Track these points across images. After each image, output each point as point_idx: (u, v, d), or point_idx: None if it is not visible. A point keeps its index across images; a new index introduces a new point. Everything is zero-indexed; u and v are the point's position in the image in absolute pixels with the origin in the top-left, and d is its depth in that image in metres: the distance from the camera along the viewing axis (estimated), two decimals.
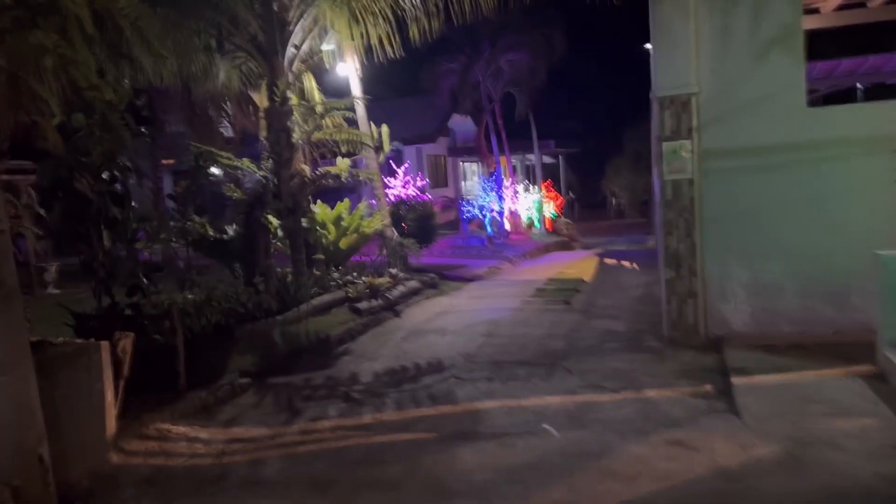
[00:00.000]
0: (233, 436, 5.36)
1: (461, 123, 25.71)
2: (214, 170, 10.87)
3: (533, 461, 4.43)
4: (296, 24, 9.53)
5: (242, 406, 6.10)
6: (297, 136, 9.38)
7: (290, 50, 9.65)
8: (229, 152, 9.84)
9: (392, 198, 15.64)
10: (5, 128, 5.75)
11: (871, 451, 4.06)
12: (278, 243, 10.34)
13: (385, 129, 11.60)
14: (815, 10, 8.83)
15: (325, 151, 10.39)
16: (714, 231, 6.83)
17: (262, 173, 9.31)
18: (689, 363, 6.36)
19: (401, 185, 17.25)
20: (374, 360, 7.35)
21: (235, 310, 7.50)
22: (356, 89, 12.49)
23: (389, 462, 4.62)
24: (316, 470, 4.57)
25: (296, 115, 9.42)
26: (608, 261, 15.29)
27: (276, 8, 9.32)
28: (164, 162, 18.14)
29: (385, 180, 14.46)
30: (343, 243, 11.32)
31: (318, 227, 10.71)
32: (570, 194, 30.53)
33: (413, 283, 11.19)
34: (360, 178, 10.70)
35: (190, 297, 7.70)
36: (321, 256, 10.49)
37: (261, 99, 10.39)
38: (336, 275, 10.44)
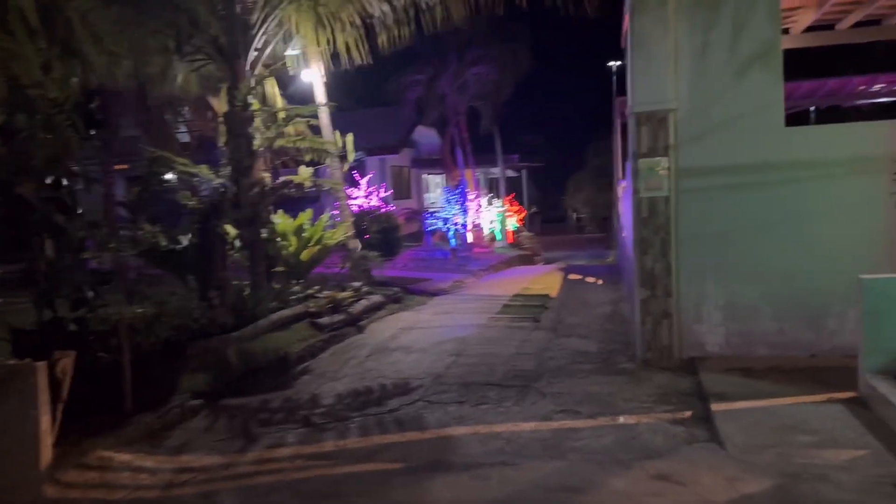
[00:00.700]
0: (182, 464, 4.95)
1: (425, 135, 25.48)
2: (169, 176, 10.40)
3: (511, 496, 4.13)
4: (260, 27, 9.16)
5: (193, 431, 5.67)
6: (258, 142, 8.98)
7: (253, 53, 9.27)
8: (186, 158, 9.38)
9: (355, 209, 15.28)
10: None
11: (865, 486, 3.87)
12: (236, 255, 9.89)
13: (350, 137, 11.24)
14: (786, 31, 8.85)
15: (288, 160, 10.00)
16: (690, 250, 6.66)
17: (220, 181, 8.88)
18: (665, 386, 6.15)
19: (364, 196, 16.93)
20: (336, 381, 6.98)
21: (188, 325, 7.09)
22: (321, 96, 12.13)
23: (354, 496, 4.28)
24: None
25: (257, 122, 9.02)
26: (572, 276, 15.15)
27: (238, 10, 8.94)
28: (116, 167, 17.46)
29: (347, 191, 14.08)
30: (305, 255, 10.91)
31: (278, 239, 10.29)
32: (533, 208, 30.55)
33: (376, 298, 10.83)
34: (326, 187, 10.33)
35: (139, 311, 7.25)
36: (281, 269, 10.06)
37: (220, 104, 9.97)
38: (297, 288, 10.03)
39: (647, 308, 6.81)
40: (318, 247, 11.09)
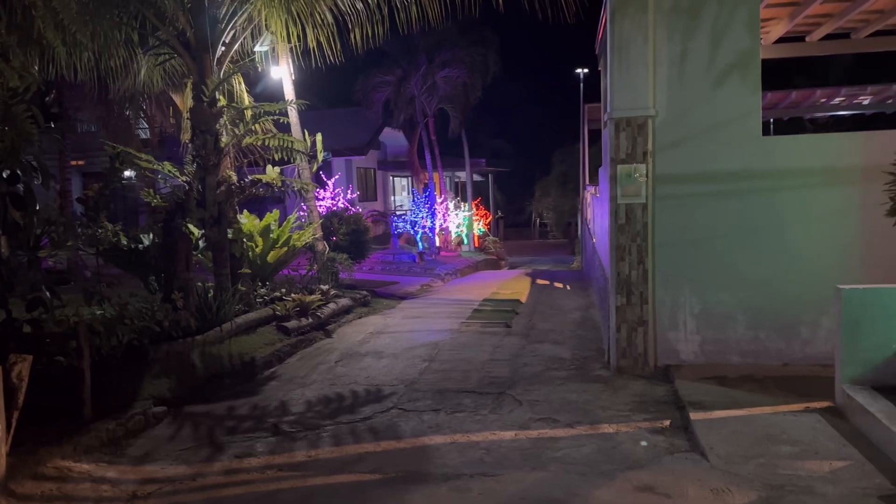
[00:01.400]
0: (146, 475, 4.70)
1: (392, 137, 25.26)
2: (128, 173, 10.02)
3: None
4: (228, 21, 8.88)
5: (157, 439, 5.42)
6: (225, 140, 8.70)
7: (221, 48, 8.99)
8: (147, 155, 9.04)
9: (323, 210, 15.02)
10: None
11: (851, 499, 3.84)
12: (200, 255, 9.61)
13: (319, 137, 11.02)
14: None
15: (256, 158, 9.72)
16: (666, 258, 6.63)
17: (184, 178, 8.58)
18: (641, 394, 6.10)
19: (330, 198, 16.69)
20: (305, 387, 6.77)
21: (150, 328, 6.86)
22: (290, 93, 11.88)
23: None
24: None
25: (224, 118, 8.74)
26: (540, 281, 15.15)
27: (206, 3, 8.65)
28: (73, 162, 16.90)
29: (315, 192, 13.82)
30: (271, 257, 10.63)
31: (244, 239, 10.01)
32: (499, 213, 30.59)
33: (345, 301, 10.62)
34: (296, 187, 10.08)
35: (99, 312, 7.00)
36: (247, 271, 9.79)
37: (185, 100, 9.67)
38: (263, 291, 9.78)
39: (622, 315, 6.76)
40: (285, 248, 10.82)
